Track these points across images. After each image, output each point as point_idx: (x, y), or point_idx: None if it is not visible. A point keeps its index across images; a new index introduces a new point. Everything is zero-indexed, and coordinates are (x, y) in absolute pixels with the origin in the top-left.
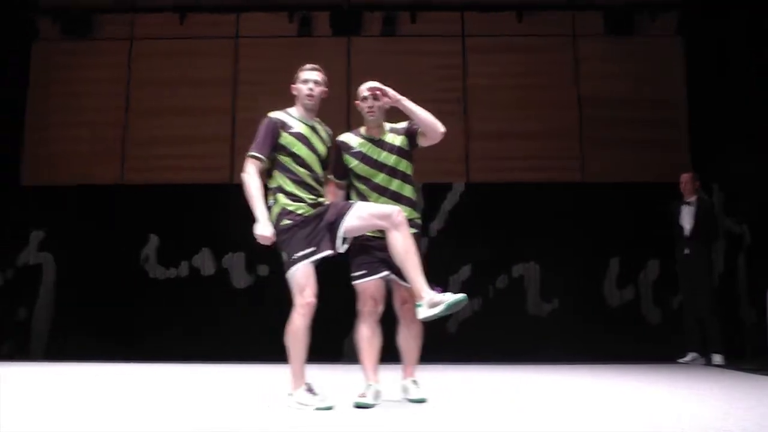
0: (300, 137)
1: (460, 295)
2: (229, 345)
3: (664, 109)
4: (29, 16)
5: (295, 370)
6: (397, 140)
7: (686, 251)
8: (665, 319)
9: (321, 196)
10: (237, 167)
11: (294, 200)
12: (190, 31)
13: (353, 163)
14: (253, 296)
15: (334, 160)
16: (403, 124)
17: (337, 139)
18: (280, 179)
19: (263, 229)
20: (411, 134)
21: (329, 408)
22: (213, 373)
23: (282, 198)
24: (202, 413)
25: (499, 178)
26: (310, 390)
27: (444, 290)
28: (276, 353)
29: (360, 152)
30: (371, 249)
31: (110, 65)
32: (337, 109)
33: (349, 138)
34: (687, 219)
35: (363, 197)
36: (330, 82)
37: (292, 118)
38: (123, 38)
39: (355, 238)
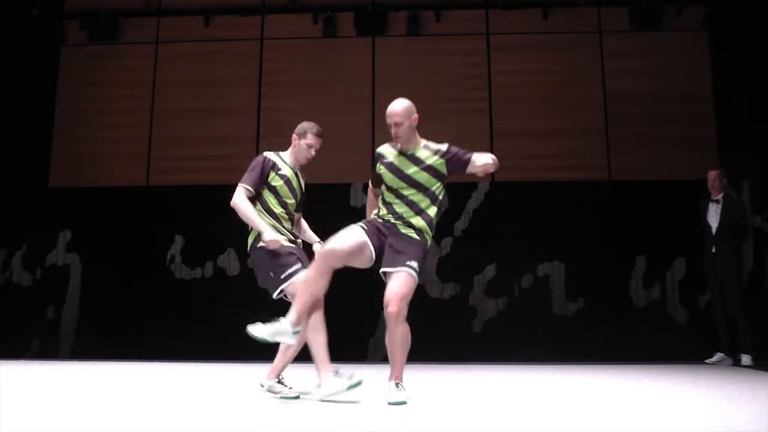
0: (286, 180)
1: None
2: (256, 344)
3: (691, 105)
4: (57, 21)
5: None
6: (431, 159)
7: (714, 250)
8: (692, 318)
9: (294, 235)
10: None
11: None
12: (215, 33)
13: (383, 170)
14: None
15: (372, 169)
16: (441, 147)
17: (376, 150)
18: (260, 210)
19: (272, 235)
20: (453, 162)
21: (359, 383)
22: (239, 372)
23: None
24: (227, 411)
25: (525, 177)
26: (336, 375)
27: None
28: (304, 353)
29: (391, 163)
30: (381, 233)
31: (136, 68)
32: (362, 109)
33: (386, 149)
34: (714, 217)
35: (390, 206)
36: (355, 82)
37: (283, 162)
38: (149, 41)
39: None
